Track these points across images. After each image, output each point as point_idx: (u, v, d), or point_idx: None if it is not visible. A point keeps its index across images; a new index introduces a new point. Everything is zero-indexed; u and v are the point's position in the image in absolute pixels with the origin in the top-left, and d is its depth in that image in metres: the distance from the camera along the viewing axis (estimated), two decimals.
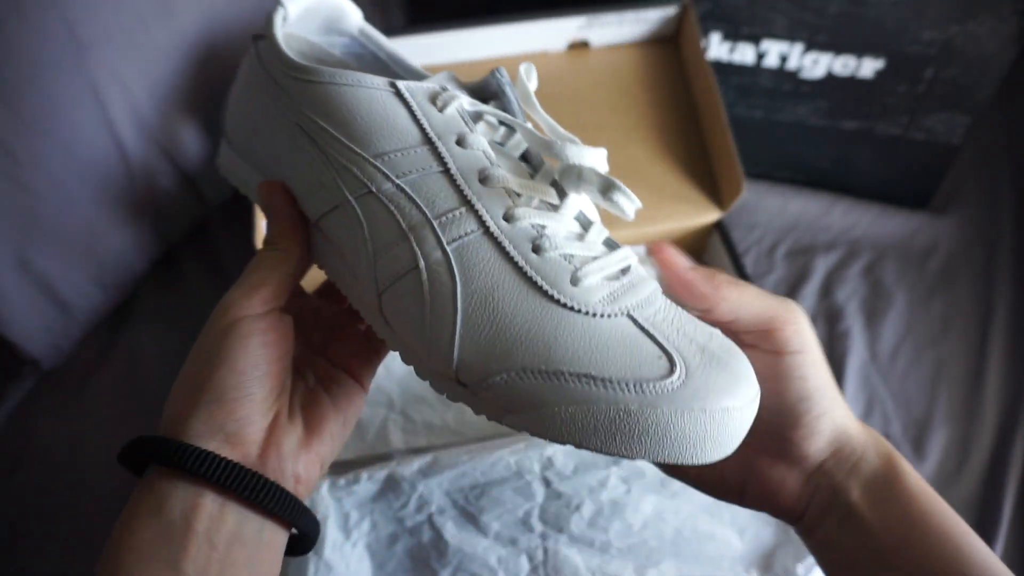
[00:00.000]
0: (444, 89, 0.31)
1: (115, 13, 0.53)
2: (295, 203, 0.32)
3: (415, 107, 0.29)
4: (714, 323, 0.29)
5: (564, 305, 0.25)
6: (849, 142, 0.68)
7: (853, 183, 0.70)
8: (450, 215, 0.27)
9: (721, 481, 0.33)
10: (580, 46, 0.63)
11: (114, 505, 0.57)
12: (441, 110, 0.30)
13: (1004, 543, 0.53)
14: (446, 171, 0.28)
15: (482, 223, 0.27)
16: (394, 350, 0.29)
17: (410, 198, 0.28)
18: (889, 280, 0.66)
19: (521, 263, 0.26)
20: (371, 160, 0.29)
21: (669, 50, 0.64)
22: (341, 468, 0.47)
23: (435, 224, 0.27)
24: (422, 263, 0.27)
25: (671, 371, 0.24)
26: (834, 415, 0.31)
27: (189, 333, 0.63)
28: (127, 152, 0.58)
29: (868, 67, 0.63)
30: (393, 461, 0.46)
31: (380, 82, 0.30)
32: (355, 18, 0.38)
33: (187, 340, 0.67)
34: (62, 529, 0.55)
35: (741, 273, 0.55)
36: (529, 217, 0.27)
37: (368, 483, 0.45)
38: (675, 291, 0.31)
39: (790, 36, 0.63)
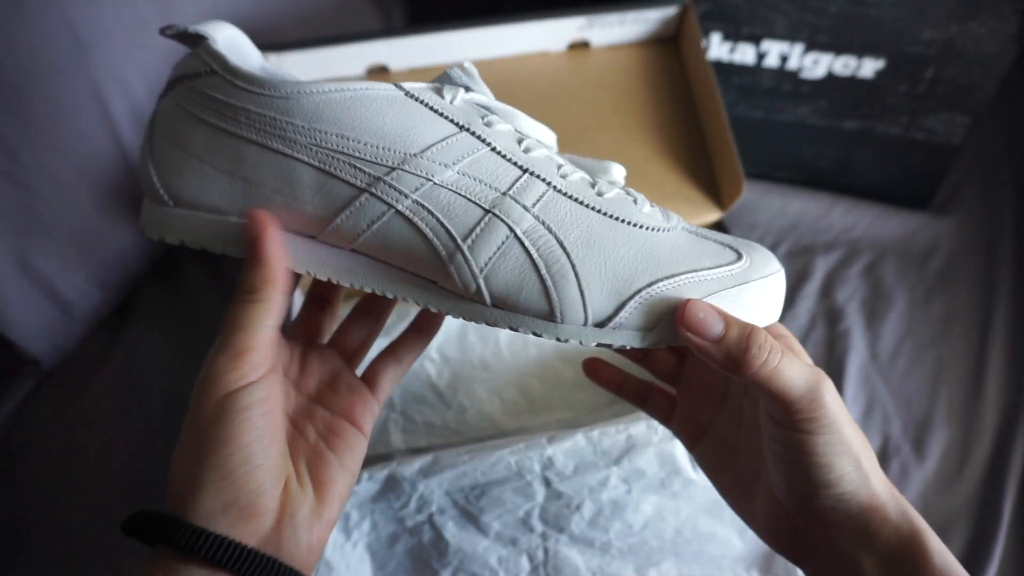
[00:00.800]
0: (440, 86, 0.31)
1: (116, 13, 0.53)
2: (282, 242, 0.30)
3: (431, 103, 0.30)
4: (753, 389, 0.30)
5: (645, 227, 0.30)
6: (849, 142, 0.68)
7: (853, 183, 0.70)
8: (519, 184, 0.30)
9: (734, 487, 0.34)
10: (580, 46, 0.63)
11: (114, 505, 0.57)
12: (451, 102, 0.30)
13: (1004, 543, 0.53)
14: (493, 149, 0.30)
15: (548, 183, 0.30)
16: (514, 329, 0.30)
17: (475, 178, 0.29)
18: (889, 280, 0.66)
19: (597, 206, 0.30)
20: (420, 155, 0.29)
21: (669, 50, 0.64)
22: None
23: (511, 194, 0.29)
24: (517, 230, 0.29)
25: (739, 257, 0.30)
26: (856, 498, 0.29)
27: (189, 333, 0.64)
28: (127, 152, 0.58)
29: (868, 67, 0.63)
30: (393, 461, 0.46)
31: (386, 86, 0.30)
32: (256, 56, 0.35)
33: (187, 340, 0.68)
34: (62, 529, 0.55)
35: None
36: (575, 171, 0.31)
37: (368, 483, 0.45)
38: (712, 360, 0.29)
39: (790, 36, 0.63)
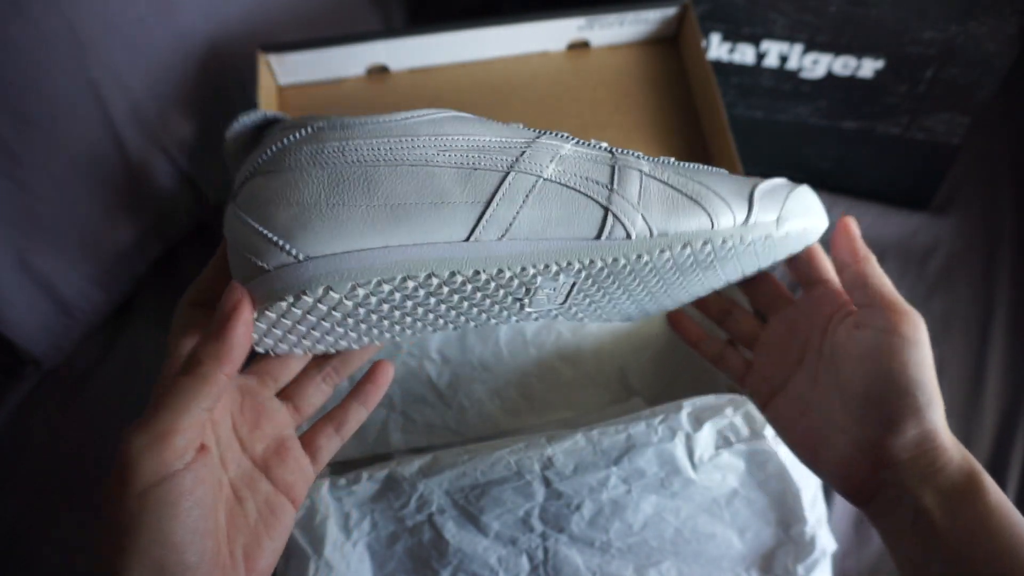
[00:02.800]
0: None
1: (115, 13, 0.53)
2: (251, 325, 0.29)
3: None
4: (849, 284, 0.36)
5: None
6: (849, 142, 0.68)
7: (853, 183, 0.70)
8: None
9: (806, 436, 0.36)
10: (580, 46, 0.63)
11: None
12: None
13: None
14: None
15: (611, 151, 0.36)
16: (686, 247, 0.33)
17: (587, 145, 0.35)
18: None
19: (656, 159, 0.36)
20: (540, 136, 0.34)
21: (669, 50, 0.64)
22: (341, 468, 0.47)
23: (619, 152, 0.35)
24: (643, 170, 0.34)
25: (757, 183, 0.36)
26: (926, 419, 0.32)
27: None
28: (127, 152, 0.58)
29: (868, 67, 0.63)
30: (393, 461, 0.46)
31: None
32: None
33: None
34: (62, 529, 0.55)
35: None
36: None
37: (368, 483, 0.45)
38: (837, 250, 0.37)
39: (790, 36, 0.63)
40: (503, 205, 0.31)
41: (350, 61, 0.60)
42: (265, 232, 0.29)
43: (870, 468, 0.33)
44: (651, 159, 0.35)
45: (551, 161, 0.32)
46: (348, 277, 0.29)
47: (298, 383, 0.35)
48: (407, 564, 0.44)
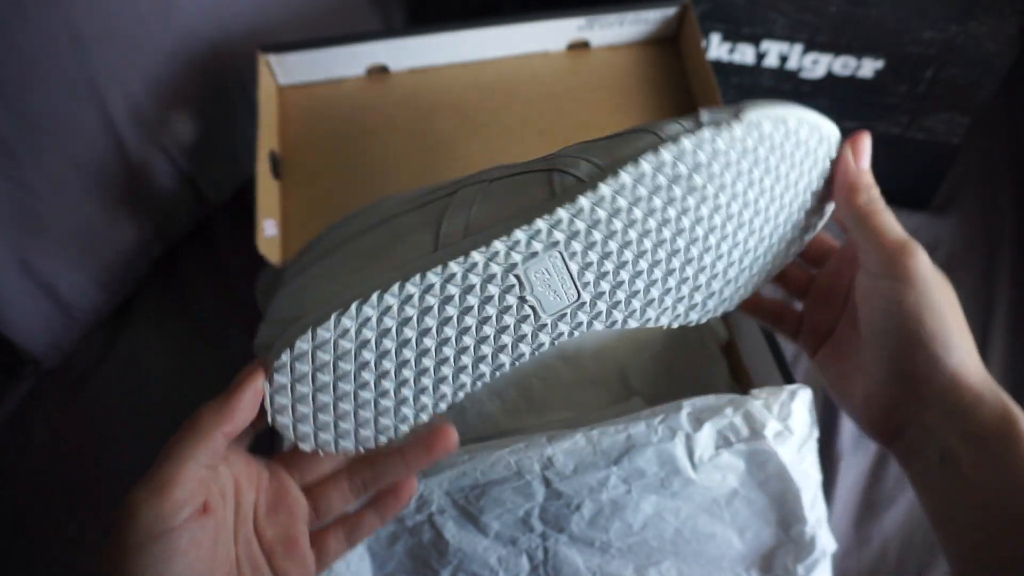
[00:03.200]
0: None
1: (115, 13, 0.53)
2: (260, 392, 0.29)
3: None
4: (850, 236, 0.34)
5: None
6: None
7: None
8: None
9: (838, 378, 0.36)
10: (580, 46, 0.63)
11: (114, 505, 0.57)
12: None
13: None
14: None
15: None
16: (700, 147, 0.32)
17: None
18: None
19: None
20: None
21: (669, 50, 0.64)
22: None
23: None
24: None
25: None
26: (946, 364, 0.30)
27: (189, 333, 0.64)
28: (127, 151, 0.58)
29: (868, 67, 0.63)
30: None
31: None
32: None
33: (187, 340, 0.68)
34: (62, 529, 0.55)
35: None
36: None
37: None
38: (839, 180, 0.34)
39: (790, 36, 0.63)
40: (457, 213, 0.32)
41: (350, 61, 0.60)
42: (265, 319, 0.33)
43: (892, 408, 0.32)
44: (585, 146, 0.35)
45: (495, 171, 0.33)
46: (328, 310, 0.29)
47: (325, 484, 0.34)
48: (407, 564, 0.44)
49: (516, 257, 0.30)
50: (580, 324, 0.33)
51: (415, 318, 0.30)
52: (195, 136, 0.62)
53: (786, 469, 0.44)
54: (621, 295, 0.33)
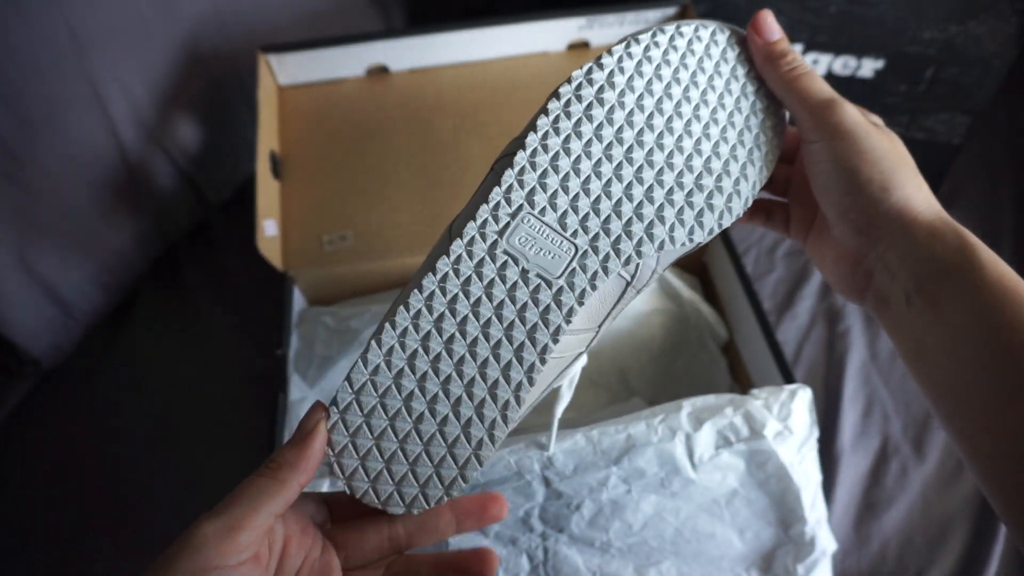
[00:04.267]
0: None
1: (115, 13, 0.53)
2: (326, 437, 0.30)
3: None
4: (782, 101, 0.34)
5: None
6: None
7: None
8: None
9: (817, 251, 0.35)
10: (580, 46, 0.63)
11: (113, 505, 0.57)
12: None
13: (1004, 543, 0.53)
14: None
15: None
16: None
17: None
18: None
19: None
20: None
21: None
22: None
23: None
24: None
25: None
26: (885, 204, 0.31)
27: (189, 333, 0.64)
28: (127, 152, 0.58)
29: (868, 67, 0.63)
30: None
31: None
32: None
33: (187, 340, 0.67)
34: (62, 529, 0.55)
35: (741, 273, 0.55)
36: None
37: None
38: (756, 59, 0.35)
39: (790, 36, 0.63)
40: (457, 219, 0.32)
41: (350, 61, 0.60)
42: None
43: (857, 261, 0.32)
44: None
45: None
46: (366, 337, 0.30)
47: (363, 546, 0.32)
48: None
49: (491, 236, 0.30)
50: (596, 274, 0.31)
51: (432, 329, 0.30)
52: (195, 136, 0.62)
53: (786, 469, 0.43)
54: (616, 227, 0.31)
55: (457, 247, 0.30)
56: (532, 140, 0.31)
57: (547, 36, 0.62)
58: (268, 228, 0.53)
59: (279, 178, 0.57)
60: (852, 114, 0.32)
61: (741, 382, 0.55)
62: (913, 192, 0.31)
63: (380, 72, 0.61)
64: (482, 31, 0.59)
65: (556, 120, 0.31)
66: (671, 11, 0.61)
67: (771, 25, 0.34)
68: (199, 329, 0.63)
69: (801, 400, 0.44)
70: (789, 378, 0.48)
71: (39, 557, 0.54)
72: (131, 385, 0.61)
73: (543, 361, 0.30)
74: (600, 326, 0.32)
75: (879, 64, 0.63)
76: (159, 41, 0.56)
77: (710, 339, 0.57)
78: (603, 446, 0.44)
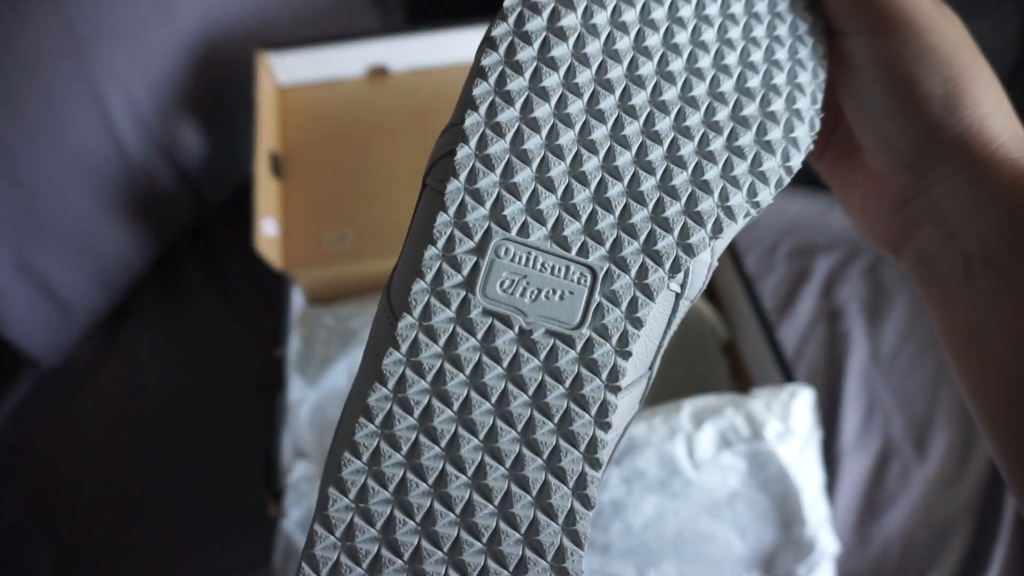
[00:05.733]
0: None
1: (115, 13, 0.53)
2: None
3: None
4: None
5: None
6: None
7: None
8: None
9: (839, 177, 0.27)
10: None
11: (113, 505, 0.57)
12: None
13: (1006, 544, 0.53)
14: None
15: None
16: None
17: None
18: (890, 280, 0.65)
19: None
20: None
21: None
22: None
23: None
24: None
25: None
26: (962, 131, 0.21)
27: (188, 334, 0.64)
28: (127, 152, 0.58)
29: None
30: None
31: None
32: None
33: (186, 340, 0.67)
34: (62, 529, 0.55)
35: (741, 273, 0.55)
36: None
37: None
38: None
39: None
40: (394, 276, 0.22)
41: (350, 61, 0.60)
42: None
43: (900, 203, 0.23)
44: None
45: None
46: (331, 472, 0.19)
47: None
48: None
49: (455, 294, 0.18)
50: (635, 302, 0.19)
51: (407, 473, 0.18)
52: (195, 136, 0.62)
53: (786, 470, 0.43)
54: (642, 220, 0.20)
55: (407, 329, 0.18)
56: (474, 121, 0.19)
57: None
58: (267, 228, 0.53)
59: (279, 178, 0.57)
60: (923, 3, 0.22)
61: (741, 382, 0.55)
62: (991, 110, 0.22)
63: (380, 72, 0.61)
64: (482, 31, 0.59)
65: (501, 80, 0.20)
66: None
67: None
68: (198, 329, 0.63)
69: (802, 400, 0.44)
70: (790, 378, 0.48)
71: (39, 557, 0.54)
72: (131, 385, 0.61)
73: (596, 465, 0.18)
74: (653, 366, 0.20)
75: None
76: (159, 41, 0.56)
77: (710, 339, 0.57)
78: None
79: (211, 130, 0.63)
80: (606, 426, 0.18)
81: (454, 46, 0.60)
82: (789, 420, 0.43)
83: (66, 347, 0.62)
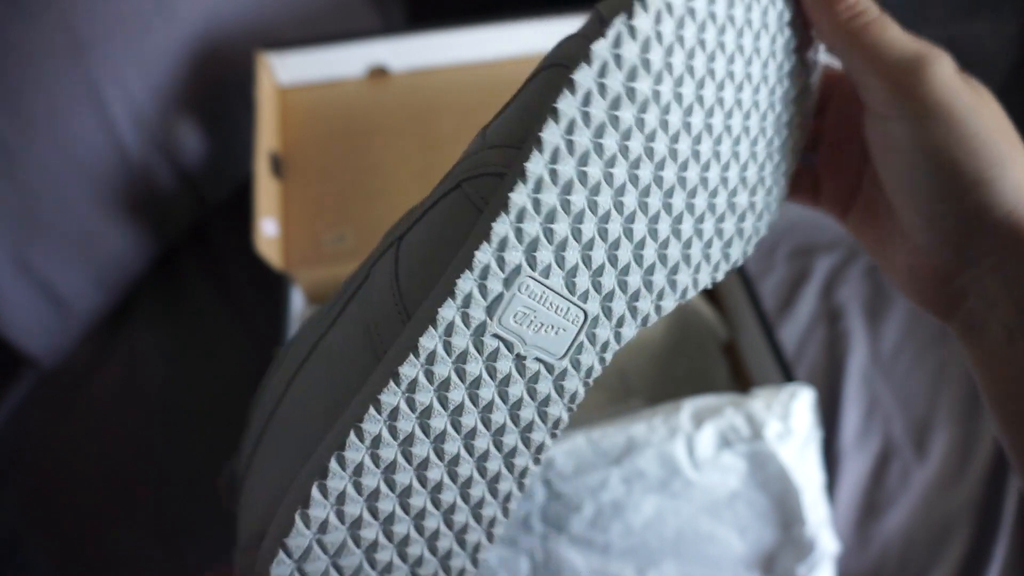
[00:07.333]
0: None
1: (115, 13, 0.53)
2: None
3: None
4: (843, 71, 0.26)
5: None
6: None
7: None
8: None
9: (877, 245, 0.28)
10: None
11: (113, 505, 0.57)
12: None
13: (1006, 544, 0.53)
14: None
15: None
16: None
17: None
18: (890, 280, 0.65)
19: None
20: None
21: None
22: None
23: None
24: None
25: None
26: (1002, 212, 0.23)
27: (188, 334, 0.64)
28: (127, 152, 0.58)
29: None
30: None
31: None
32: None
33: (186, 340, 0.67)
34: (62, 529, 0.55)
35: (741, 273, 0.55)
36: None
37: None
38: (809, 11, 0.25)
39: None
40: (380, 300, 0.23)
41: (350, 61, 0.60)
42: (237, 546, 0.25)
43: (944, 278, 0.25)
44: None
45: (402, 223, 0.24)
46: (288, 512, 0.21)
47: None
48: None
49: (477, 317, 0.21)
50: (607, 343, 0.23)
51: (398, 456, 0.21)
52: (195, 136, 0.62)
53: (787, 470, 0.43)
54: (635, 280, 0.23)
55: (430, 341, 0.21)
56: (537, 164, 0.20)
57: (547, 36, 0.61)
58: (267, 228, 0.53)
59: (280, 178, 0.57)
60: (949, 78, 0.23)
61: (741, 382, 0.55)
62: (1018, 186, 0.23)
63: (380, 72, 0.61)
64: (482, 31, 0.59)
65: (571, 128, 0.20)
66: None
67: None
68: (198, 329, 0.63)
69: (802, 400, 0.44)
70: (790, 378, 0.48)
71: (39, 557, 0.54)
72: (131, 385, 0.61)
73: (537, 461, 0.23)
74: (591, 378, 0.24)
75: None
76: (159, 41, 0.56)
77: (710, 339, 0.57)
78: (603, 447, 0.44)
79: (211, 130, 0.63)
80: (555, 436, 0.23)
81: (454, 46, 0.60)
82: (789, 420, 0.43)
83: (66, 347, 0.62)
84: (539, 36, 0.61)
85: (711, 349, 0.57)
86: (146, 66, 0.56)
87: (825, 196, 0.31)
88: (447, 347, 0.21)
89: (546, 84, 0.22)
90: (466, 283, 0.20)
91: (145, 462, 0.57)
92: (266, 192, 0.53)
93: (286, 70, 0.59)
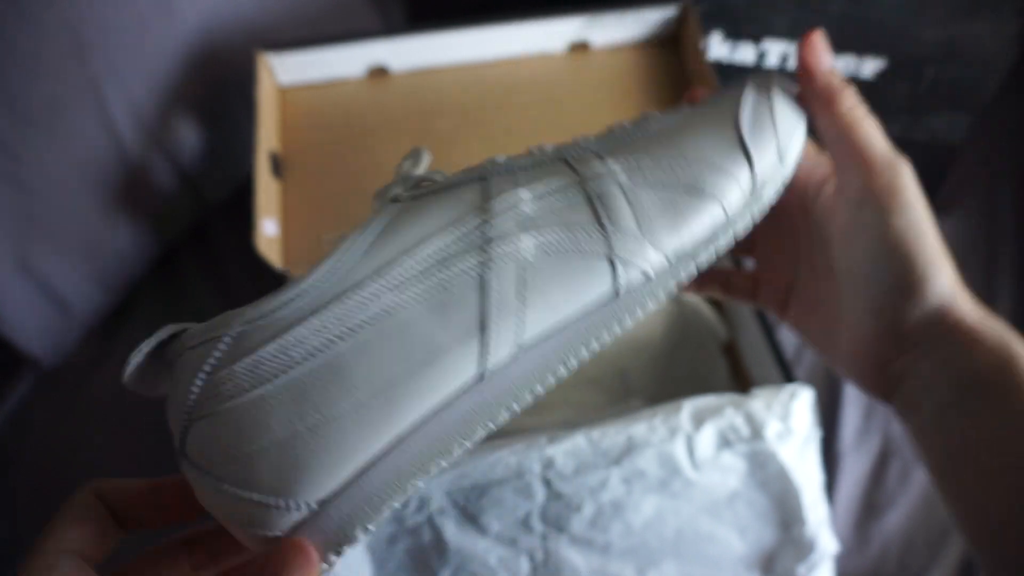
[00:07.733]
0: None
1: (115, 13, 0.53)
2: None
3: None
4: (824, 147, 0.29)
5: None
6: None
7: None
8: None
9: (819, 335, 0.31)
10: (580, 47, 0.63)
11: None
12: None
13: None
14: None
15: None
16: None
17: None
18: None
19: None
20: None
21: (670, 51, 0.64)
22: None
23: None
24: (620, 179, 0.29)
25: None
26: (926, 296, 0.26)
27: None
28: (127, 151, 0.58)
29: (869, 67, 0.63)
30: None
31: None
32: None
33: None
34: None
35: None
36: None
37: None
38: (804, 89, 0.29)
39: (791, 35, 0.63)
40: (500, 321, 0.24)
41: (350, 61, 0.60)
42: (252, 497, 0.22)
43: (885, 363, 0.28)
44: (616, 156, 0.28)
45: (520, 230, 0.25)
46: (382, 500, 0.22)
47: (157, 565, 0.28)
48: (407, 564, 0.44)
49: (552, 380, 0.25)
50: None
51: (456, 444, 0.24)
52: (195, 136, 0.62)
53: (787, 470, 0.43)
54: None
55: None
56: None
57: (547, 36, 0.62)
58: (267, 228, 0.53)
59: (280, 178, 0.57)
60: (915, 186, 0.26)
61: (741, 382, 0.55)
62: (951, 280, 0.27)
63: (380, 72, 0.61)
64: (482, 31, 0.59)
65: (673, 276, 0.26)
66: (671, 11, 0.61)
67: (823, 48, 0.29)
68: None
69: (802, 400, 0.44)
70: (789, 378, 0.48)
71: None
72: None
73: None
74: None
75: (879, 64, 0.63)
76: (159, 41, 0.56)
77: (710, 339, 0.57)
78: (603, 447, 0.44)
79: (211, 130, 0.63)
80: None
81: (454, 46, 0.60)
82: (789, 420, 0.43)
83: (66, 347, 0.62)
84: (539, 36, 0.61)
85: (711, 349, 0.57)
86: (146, 66, 0.56)
87: (763, 295, 0.33)
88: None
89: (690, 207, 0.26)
90: (586, 343, 0.25)
91: (145, 461, 0.57)
92: (266, 192, 0.53)
93: (286, 70, 0.59)
